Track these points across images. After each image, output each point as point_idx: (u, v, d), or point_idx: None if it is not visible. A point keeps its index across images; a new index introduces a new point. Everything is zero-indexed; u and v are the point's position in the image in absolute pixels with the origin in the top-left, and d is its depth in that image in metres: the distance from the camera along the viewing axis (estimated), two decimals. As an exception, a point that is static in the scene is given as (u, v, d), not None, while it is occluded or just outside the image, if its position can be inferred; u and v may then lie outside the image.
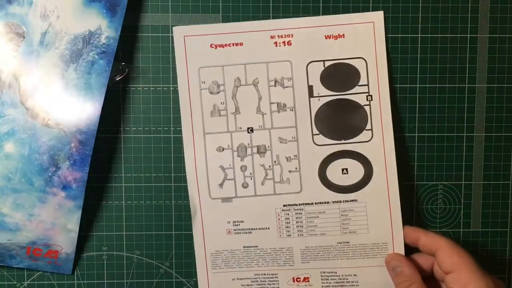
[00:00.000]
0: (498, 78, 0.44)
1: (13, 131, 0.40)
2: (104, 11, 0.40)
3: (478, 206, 0.45)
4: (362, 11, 0.43)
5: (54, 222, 0.41)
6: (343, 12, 0.43)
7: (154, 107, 0.43)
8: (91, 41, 0.40)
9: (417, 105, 0.44)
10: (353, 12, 0.43)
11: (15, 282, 0.43)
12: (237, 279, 0.44)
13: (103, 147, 0.43)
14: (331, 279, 0.43)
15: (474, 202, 0.45)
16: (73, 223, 0.41)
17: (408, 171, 0.44)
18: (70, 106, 0.40)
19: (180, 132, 0.43)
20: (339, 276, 0.43)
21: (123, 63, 0.41)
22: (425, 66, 0.43)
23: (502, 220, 0.45)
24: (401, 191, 0.43)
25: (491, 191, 0.45)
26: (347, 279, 0.43)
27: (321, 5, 0.43)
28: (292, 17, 0.43)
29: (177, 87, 0.43)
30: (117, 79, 0.41)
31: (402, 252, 0.42)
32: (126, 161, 0.43)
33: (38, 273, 0.43)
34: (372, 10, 0.43)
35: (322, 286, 0.43)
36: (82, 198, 0.41)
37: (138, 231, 0.44)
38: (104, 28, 0.40)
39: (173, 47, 0.42)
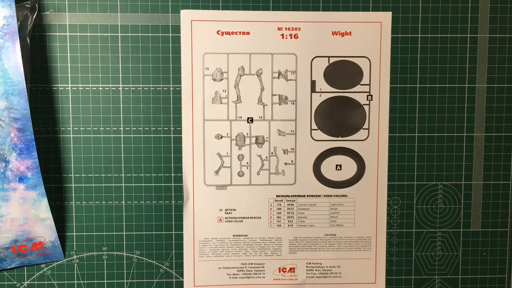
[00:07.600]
0: (498, 78, 0.44)
1: None
2: None
3: (478, 206, 0.45)
4: (362, 10, 0.43)
5: (25, 216, 0.41)
6: (351, 4, 0.43)
7: (154, 107, 0.43)
8: None
9: (417, 105, 0.44)
10: (357, 5, 0.43)
11: (15, 282, 0.43)
12: (224, 268, 0.44)
13: (103, 147, 0.43)
14: (316, 270, 0.44)
15: (474, 202, 0.45)
16: (44, 211, 0.41)
17: (408, 171, 0.44)
18: None
19: (180, 132, 0.43)
20: (324, 267, 0.44)
21: (25, 4, 0.38)
22: (425, 66, 0.43)
23: (502, 220, 0.45)
24: (389, 189, 0.43)
25: (491, 191, 0.45)
26: (330, 270, 0.44)
27: None
28: (302, 10, 0.43)
29: (177, 87, 0.43)
30: (30, 25, 0.39)
31: (384, 246, 0.44)
32: (126, 161, 0.43)
33: (38, 273, 0.43)
34: (372, 10, 0.43)
35: (306, 277, 0.44)
36: (42, 185, 0.40)
37: (138, 231, 0.44)
38: None
39: (173, 47, 0.42)
